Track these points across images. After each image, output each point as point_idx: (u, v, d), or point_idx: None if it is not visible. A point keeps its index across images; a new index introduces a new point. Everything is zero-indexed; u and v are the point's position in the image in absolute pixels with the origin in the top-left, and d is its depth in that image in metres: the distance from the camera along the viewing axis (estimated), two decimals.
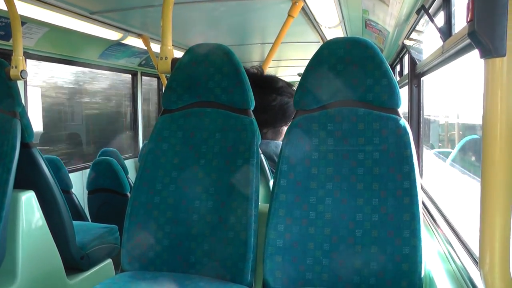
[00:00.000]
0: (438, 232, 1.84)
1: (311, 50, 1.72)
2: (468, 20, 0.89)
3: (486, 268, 0.93)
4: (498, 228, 0.91)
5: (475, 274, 1.31)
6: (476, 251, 1.45)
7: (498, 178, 0.91)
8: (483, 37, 0.85)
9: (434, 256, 1.67)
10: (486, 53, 0.88)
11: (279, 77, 2.23)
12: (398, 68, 4.11)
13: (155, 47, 4.01)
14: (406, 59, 3.47)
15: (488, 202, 0.92)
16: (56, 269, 2.25)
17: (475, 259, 1.42)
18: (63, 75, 4.59)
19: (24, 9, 2.66)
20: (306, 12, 3.12)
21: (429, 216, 2.09)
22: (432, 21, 1.96)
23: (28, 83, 3.37)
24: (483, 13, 0.85)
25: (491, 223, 0.92)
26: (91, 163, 3.61)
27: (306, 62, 1.60)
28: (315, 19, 3.32)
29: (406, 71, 3.44)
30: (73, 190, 3.14)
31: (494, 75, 0.88)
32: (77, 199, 3.14)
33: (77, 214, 3.03)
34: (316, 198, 1.51)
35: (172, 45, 1.84)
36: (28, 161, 2.17)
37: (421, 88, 2.88)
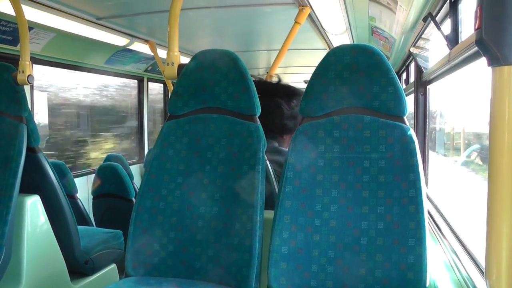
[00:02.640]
0: (444, 241, 1.83)
1: (318, 57, 1.71)
2: (476, 27, 0.88)
3: (493, 278, 0.92)
4: (505, 237, 0.90)
5: (480, 284, 1.30)
6: (481, 260, 1.44)
7: (505, 187, 0.90)
8: (491, 45, 0.85)
9: (439, 265, 1.66)
10: (494, 61, 0.87)
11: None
12: (404, 76, 4.11)
13: (162, 53, 4.02)
14: (412, 67, 3.47)
15: (495, 210, 0.92)
16: (60, 273, 2.25)
17: (480, 269, 1.40)
18: None
19: (32, 15, 2.68)
20: (313, 19, 3.12)
21: (434, 225, 2.08)
22: (439, 28, 1.96)
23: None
24: (491, 21, 0.85)
25: (498, 232, 0.91)
26: (96, 168, 3.62)
27: (313, 69, 1.59)
28: (321, 26, 3.32)
29: (412, 79, 3.44)
30: (78, 195, 3.14)
31: (502, 83, 0.87)
32: (82, 204, 3.14)
33: (82, 219, 3.03)
34: (321, 205, 1.50)
35: (179, 51, 1.84)
36: (34, 166, 2.17)
37: (427, 96, 2.87)
